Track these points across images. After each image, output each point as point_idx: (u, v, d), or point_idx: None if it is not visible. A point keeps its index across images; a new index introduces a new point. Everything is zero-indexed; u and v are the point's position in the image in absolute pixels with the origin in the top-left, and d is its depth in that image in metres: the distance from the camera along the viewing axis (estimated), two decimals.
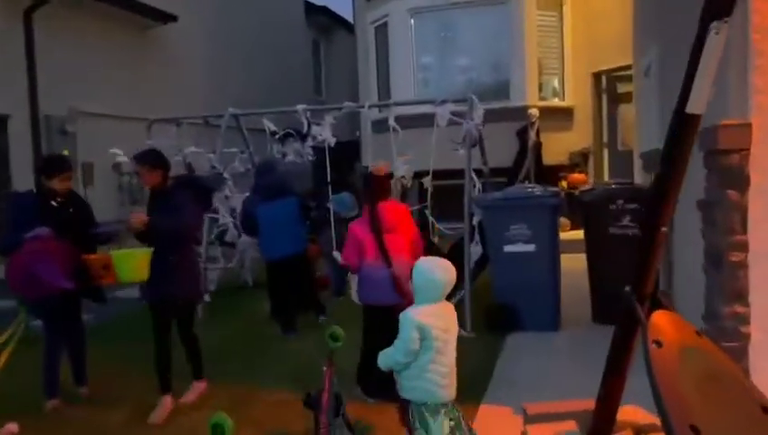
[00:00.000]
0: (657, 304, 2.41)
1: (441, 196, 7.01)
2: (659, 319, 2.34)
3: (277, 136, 6.99)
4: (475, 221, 5.95)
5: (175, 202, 4.08)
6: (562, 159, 10.86)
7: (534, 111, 10.20)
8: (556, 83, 11.13)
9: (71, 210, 4.39)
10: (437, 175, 6.61)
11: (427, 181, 6.71)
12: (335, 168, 11.19)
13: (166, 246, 4.09)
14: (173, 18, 10.85)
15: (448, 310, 2.92)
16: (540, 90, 10.87)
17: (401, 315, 2.85)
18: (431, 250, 6.70)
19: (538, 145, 10.29)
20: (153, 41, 10.99)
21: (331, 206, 6.82)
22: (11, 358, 4.26)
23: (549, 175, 10.26)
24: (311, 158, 7.06)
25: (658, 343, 2.21)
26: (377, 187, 4.18)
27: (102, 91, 9.59)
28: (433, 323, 2.79)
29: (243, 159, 7.50)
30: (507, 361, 5.00)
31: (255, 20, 14.23)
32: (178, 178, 4.39)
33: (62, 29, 9.10)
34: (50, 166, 4.48)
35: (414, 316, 2.80)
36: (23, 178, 8.43)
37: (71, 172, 4.50)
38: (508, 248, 5.52)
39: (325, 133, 6.76)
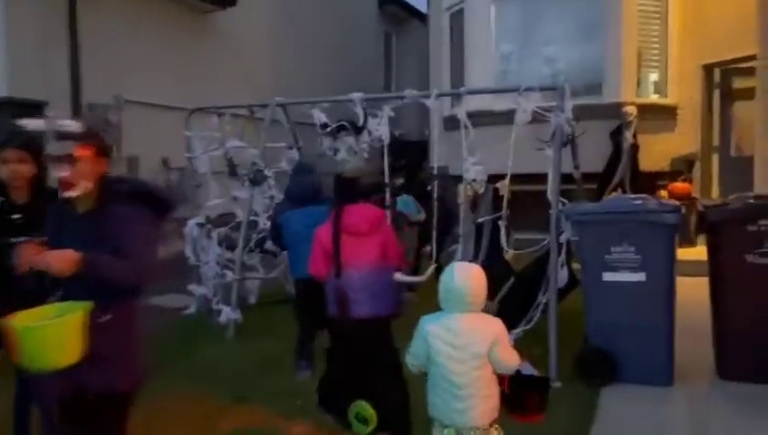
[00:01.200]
0: None
1: (520, 203, 5.81)
2: None
3: (328, 129, 5.97)
4: (563, 238, 4.74)
5: (122, 226, 2.38)
6: (663, 164, 9.35)
7: (631, 109, 8.78)
8: (657, 77, 9.63)
9: (16, 216, 3.06)
10: (516, 179, 5.43)
11: (503, 186, 5.55)
12: (401, 169, 10.07)
13: (94, 296, 2.30)
14: (232, 2, 10.09)
15: (472, 324, 2.61)
16: (638, 84, 9.41)
17: None
18: (503, 270, 5.57)
19: (634, 148, 8.87)
20: (210, 26, 10.26)
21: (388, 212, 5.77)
22: None
23: (646, 183, 8.85)
24: (365, 156, 6.02)
25: None
26: (343, 188, 3.82)
27: (152, 78, 8.90)
28: (439, 334, 2.59)
29: (291, 155, 6.56)
30: (605, 424, 3.80)
31: (323, 10, 13.36)
32: (119, 184, 2.51)
33: (109, 9, 8.45)
34: None
35: (423, 322, 2.67)
36: None
37: (19, 152, 3.05)
38: (608, 277, 4.28)
39: (382, 128, 5.70)
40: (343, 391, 3.61)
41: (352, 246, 3.56)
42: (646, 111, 9.04)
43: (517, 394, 2.83)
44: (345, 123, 5.93)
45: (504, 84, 9.32)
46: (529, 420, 2.92)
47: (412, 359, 2.72)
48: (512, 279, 5.41)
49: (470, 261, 5.62)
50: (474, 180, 5.54)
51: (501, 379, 2.69)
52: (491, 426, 2.61)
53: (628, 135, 8.83)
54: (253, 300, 6.76)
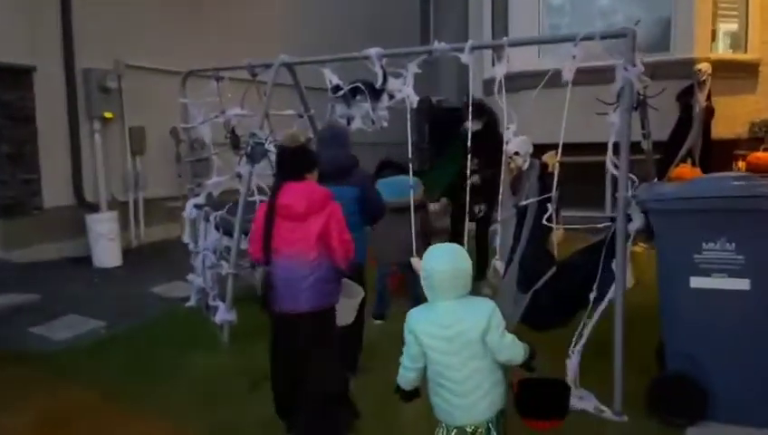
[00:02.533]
0: None
1: (566, 176, 4.76)
2: None
3: (341, 93, 4.97)
4: (632, 228, 3.66)
5: None
6: (740, 131, 8.10)
7: (705, 67, 7.51)
8: (736, 29, 8.28)
9: None
10: (566, 150, 4.38)
11: (550, 158, 4.50)
12: (439, 140, 8.87)
13: None
14: None
15: (461, 311, 2.37)
16: (713, 38, 8.10)
17: None
18: (543, 260, 4.51)
19: (708, 112, 7.62)
20: None
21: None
22: None
23: (720, 153, 7.66)
24: (385, 123, 5.01)
25: None
26: (285, 161, 3.39)
27: (156, 39, 7.99)
28: (427, 329, 2.39)
29: (300, 124, 5.60)
30: None
31: None
32: None
33: None
34: None
35: (410, 316, 2.46)
36: (51, 144, 7.07)
37: None
38: (697, 283, 3.22)
39: (406, 88, 4.68)
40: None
41: (286, 231, 3.17)
42: (721, 68, 7.76)
43: (530, 398, 2.57)
44: (360, 85, 4.92)
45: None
46: (544, 426, 2.65)
47: (409, 362, 2.47)
48: (553, 269, 4.35)
49: (510, 252, 4.62)
50: (516, 153, 4.50)
51: (511, 384, 2.54)
52: (498, 415, 2.43)
53: (701, 97, 7.59)
54: (260, 293, 5.90)
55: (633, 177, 3.71)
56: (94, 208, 7.34)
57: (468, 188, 4.37)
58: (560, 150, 4.20)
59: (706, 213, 3.14)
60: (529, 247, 4.56)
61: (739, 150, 7.92)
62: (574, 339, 3.66)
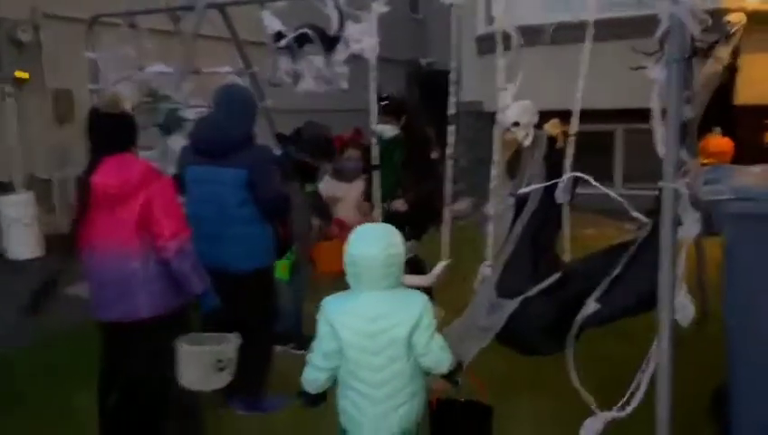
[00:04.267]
0: None
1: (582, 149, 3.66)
2: None
3: (284, 42, 3.79)
4: (685, 235, 2.53)
5: None
6: None
7: (737, 18, 6.31)
8: None
9: None
10: (567, 118, 3.38)
11: (553, 128, 3.39)
12: (429, 106, 7.75)
13: None
14: None
15: (389, 304, 2.12)
16: None
17: None
18: (547, 263, 3.39)
19: (730, 71, 6.48)
20: None
21: None
22: None
23: (746, 121, 6.63)
24: (344, 84, 3.82)
25: None
26: (103, 129, 2.67)
27: None
28: (347, 322, 2.12)
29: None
30: None
31: None
32: None
33: None
34: None
35: (326, 306, 2.18)
36: None
37: None
38: None
39: (368, 39, 3.49)
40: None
41: (103, 217, 2.66)
42: (753, 20, 6.59)
43: (449, 420, 2.44)
44: (308, 32, 3.73)
45: None
46: None
47: (322, 361, 2.17)
48: (556, 275, 3.23)
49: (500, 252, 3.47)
50: (515, 124, 3.34)
51: (430, 402, 2.39)
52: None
53: (724, 53, 6.44)
54: None
55: (685, 158, 2.58)
56: (7, 189, 6.18)
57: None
58: (576, 120, 3.10)
59: None
60: (524, 243, 3.43)
61: None
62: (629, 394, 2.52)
